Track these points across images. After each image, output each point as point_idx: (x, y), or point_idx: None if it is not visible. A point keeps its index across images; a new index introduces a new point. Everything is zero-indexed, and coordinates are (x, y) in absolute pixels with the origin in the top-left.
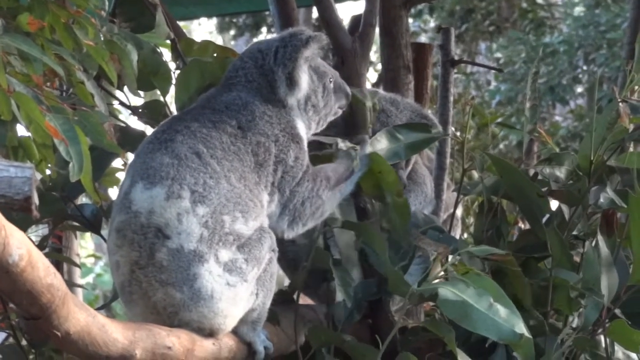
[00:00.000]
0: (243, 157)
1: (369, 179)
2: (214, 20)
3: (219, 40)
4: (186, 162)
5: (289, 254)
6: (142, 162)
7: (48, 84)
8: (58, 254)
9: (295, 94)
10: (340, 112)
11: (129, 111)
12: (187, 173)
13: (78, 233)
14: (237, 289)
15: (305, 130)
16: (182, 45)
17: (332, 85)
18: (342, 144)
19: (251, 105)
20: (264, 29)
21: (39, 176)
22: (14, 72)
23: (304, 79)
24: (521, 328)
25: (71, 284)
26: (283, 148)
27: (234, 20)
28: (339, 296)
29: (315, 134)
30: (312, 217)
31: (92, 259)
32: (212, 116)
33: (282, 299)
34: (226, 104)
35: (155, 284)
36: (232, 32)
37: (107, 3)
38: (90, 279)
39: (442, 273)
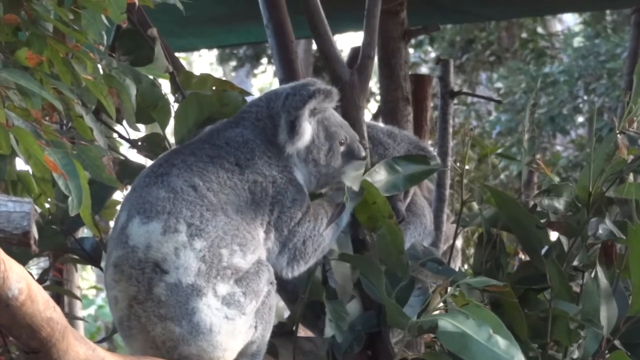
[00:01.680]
0: (239, 193)
1: (364, 211)
2: (214, 52)
3: (219, 71)
4: (182, 195)
5: (289, 286)
6: (138, 196)
7: (47, 118)
8: (59, 287)
9: (294, 142)
10: None
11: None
12: (183, 206)
13: (79, 265)
14: (236, 322)
15: (302, 179)
16: (181, 78)
17: (342, 148)
18: None
19: (251, 143)
20: (264, 60)
21: (38, 210)
22: (12, 107)
23: (306, 129)
24: (520, 359)
25: (72, 317)
26: (280, 190)
27: (234, 51)
28: (328, 331)
29: None
30: (314, 254)
31: (93, 291)
32: (210, 151)
33: (282, 331)
34: (227, 140)
35: (154, 319)
36: (232, 64)
37: (105, 37)
38: (92, 310)
39: (441, 305)
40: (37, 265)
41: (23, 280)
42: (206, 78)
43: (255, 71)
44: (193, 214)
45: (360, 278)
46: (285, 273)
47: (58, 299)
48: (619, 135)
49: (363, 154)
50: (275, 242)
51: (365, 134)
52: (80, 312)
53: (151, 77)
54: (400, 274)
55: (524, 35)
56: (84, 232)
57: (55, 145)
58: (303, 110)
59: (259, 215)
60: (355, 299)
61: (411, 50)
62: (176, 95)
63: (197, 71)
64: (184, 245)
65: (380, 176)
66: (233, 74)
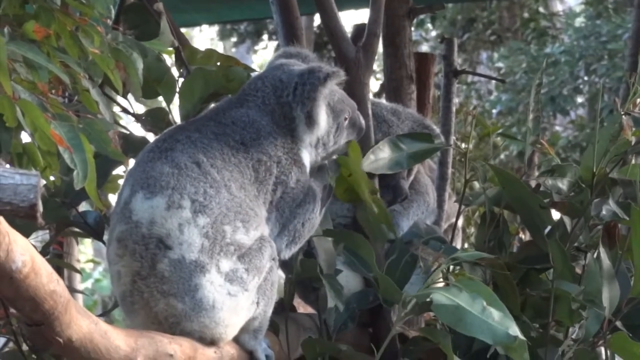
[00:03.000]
0: (243, 170)
1: (341, 185)
2: (215, 27)
3: (220, 47)
4: (186, 171)
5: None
6: (142, 171)
7: (53, 91)
8: (59, 260)
9: (314, 132)
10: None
11: (130, 117)
12: (187, 182)
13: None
14: (238, 299)
15: (309, 160)
16: (186, 53)
17: (346, 122)
18: None
19: (257, 124)
20: (265, 37)
21: (42, 183)
22: (19, 80)
23: (323, 117)
24: (515, 330)
25: (71, 290)
26: (284, 170)
27: (235, 27)
28: (331, 302)
29: None
30: (307, 235)
31: (91, 265)
32: (215, 129)
33: (282, 307)
34: (233, 119)
35: (157, 295)
36: (233, 39)
37: (112, 10)
38: (89, 284)
39: (440, 280)
40: (36, 239)
41: (27, 253)
42: (211, 53)
43: (256, 47)
44: (197, 190)
45: (344, 254)
46: (283, 255)
47: (58, 272)
48: (623, 117)
49: (363, 123)
50: (275, 224)
51: (370, 112)
52: (79, 286)
53: (156, 51)
54: (380, 244)
55: (525, 15)
56: (83, 207)
57: (61, 118)
58: (318, 100)
59: (262, 194)
60: (351, 275)
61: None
62: (181, 70)
63: (197, 47)
64: (188, 222)
65: (384, 154)
66: (233, 49)
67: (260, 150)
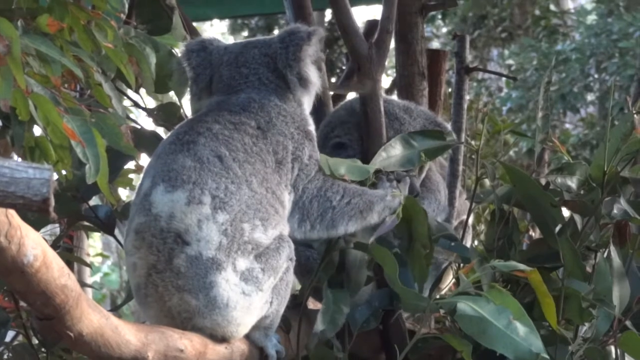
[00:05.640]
0: (265, 158)
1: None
2: (226, 22)
3: (230, 41)
4: (208, 166)
5: (302, 259)
6: (163, 163)
7: (66, 85)
8: (69, 254)
9: (309, 91)
10: None
11: (140, 112)
12: (208, 177)
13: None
14: (252, 298)
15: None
16: None
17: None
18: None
19: (267, 105)
20: (276, 31)
21: (55, 177)
22: (32, 73)
23: (313, 73)
24: (539, 347)
25: (81, 284)
26: (298, 145)
27: (246, 22)
28: (319, 326)
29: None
30: (320, 220)
31: (99, 258)
32: (231, 117)
33: (294, 303)
34: (241, 105)
35: (172, 289)
36: (244, 34)
37: (125, 5)
38: (97, 278)
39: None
40: (44, 233)
41: (39, 247)
42: None
43: None
44: (218, 186)
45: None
46: (296, 235)
47: (68, 265)
48: (635, 115)
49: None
50: (291, 202)
51: (382, 109)
52: (89, 280)
53: (169, 46)
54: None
55: (536, 12)
56: (93, 201)
57: (74, 112)
58: (305, 59)
59: (284, 175)
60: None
61: None
62: None
63: None
64: (207, 218)
65: (396, 151)
66: None
67: (276, 131)
